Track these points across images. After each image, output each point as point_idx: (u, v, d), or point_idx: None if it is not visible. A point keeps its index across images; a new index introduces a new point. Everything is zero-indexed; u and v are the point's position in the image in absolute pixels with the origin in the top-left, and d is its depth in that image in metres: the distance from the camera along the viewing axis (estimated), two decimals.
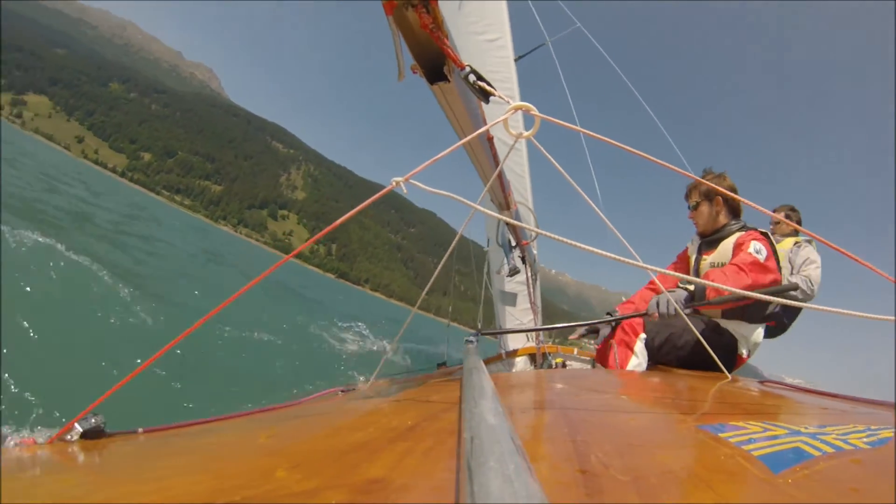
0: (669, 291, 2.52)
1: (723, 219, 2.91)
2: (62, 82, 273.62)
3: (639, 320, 2.77)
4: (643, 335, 2.74)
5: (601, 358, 2.96)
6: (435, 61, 1.41)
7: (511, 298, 6.96)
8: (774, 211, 4.29)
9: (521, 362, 5.64)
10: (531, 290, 5.20)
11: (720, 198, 2.89)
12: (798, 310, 3.85)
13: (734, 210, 2.92)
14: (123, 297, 6.55)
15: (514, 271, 3.41)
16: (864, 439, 0.76)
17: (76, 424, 0.87)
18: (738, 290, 1.30)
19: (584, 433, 0.76)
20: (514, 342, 6.36)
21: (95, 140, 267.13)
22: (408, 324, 1.94)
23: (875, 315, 1.22)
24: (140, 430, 0.98)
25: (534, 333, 5.74)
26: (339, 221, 1.26)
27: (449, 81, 1.44)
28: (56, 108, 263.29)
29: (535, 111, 1.33)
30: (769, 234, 2.76)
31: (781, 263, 3.94)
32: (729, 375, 2.14)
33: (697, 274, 2.97)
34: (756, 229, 2.78)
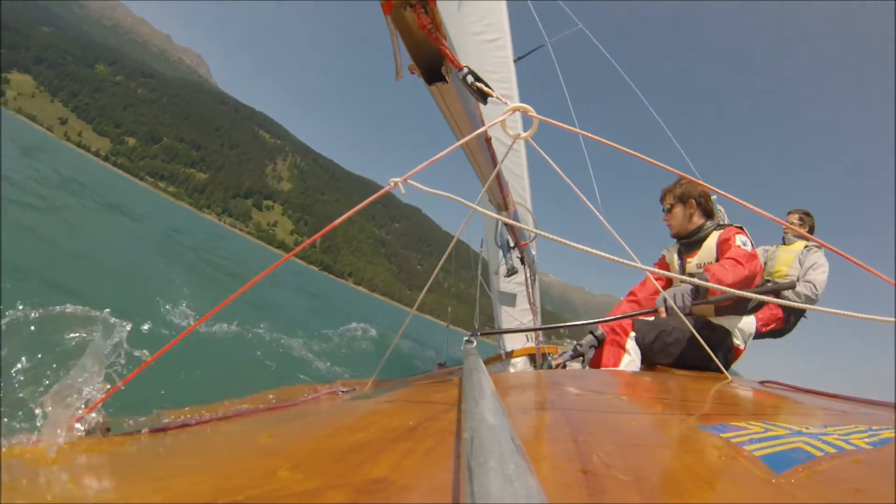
0: (675, 287, 2.60)
1: (697, 220, 3.02)
2: (47, 61, 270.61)
3: (628, 321, 2.88)
4: (633, 333, 2.85)
5: (594, 363, 3.02)
6: (433, 62, 1.44)
7: (510, 299, 7.00)
8: (789, 213, 4.43)
9: (520, 363, 5.68)
10: (530, 290, 5.24)
11: (693, 200, 3.01)
12: (802, 310, 3.93)
13: (707, 212, 3.02)
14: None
15: (511, 272, 3.45)
16: (866, 439, 0.78)
17: (78, 424, 0.90)
18: (731, 291, 1.34)
19: (585, 433, 0.78)
20: (514, 342, 6.41)
21: (79, 122, 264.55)
22: (406, 325, 1.97)
23: (875, 316, 1.26)
24: (143, 428, 1.01)
25: (534, 334, 5.79)
26: (338, 221, 1.30)
27: (447, 82, 1.47)
28: (39, 88, 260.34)
29: (533, 112, 1.36)
30: (742, 228, 2.88)
31: (791, 264, 4.02)
32: (728, 375, 2.19)
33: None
34: (733, 225, 2.90)
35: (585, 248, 1.23)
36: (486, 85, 1.45)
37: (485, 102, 1.53)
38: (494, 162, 2.19)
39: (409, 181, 1.26)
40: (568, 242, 1.29)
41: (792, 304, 1.32)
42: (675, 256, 3.15)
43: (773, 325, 4.18)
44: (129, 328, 1.03)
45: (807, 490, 0.54)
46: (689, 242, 3.04)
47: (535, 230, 1.42)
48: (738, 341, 2.82)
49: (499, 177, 2.48)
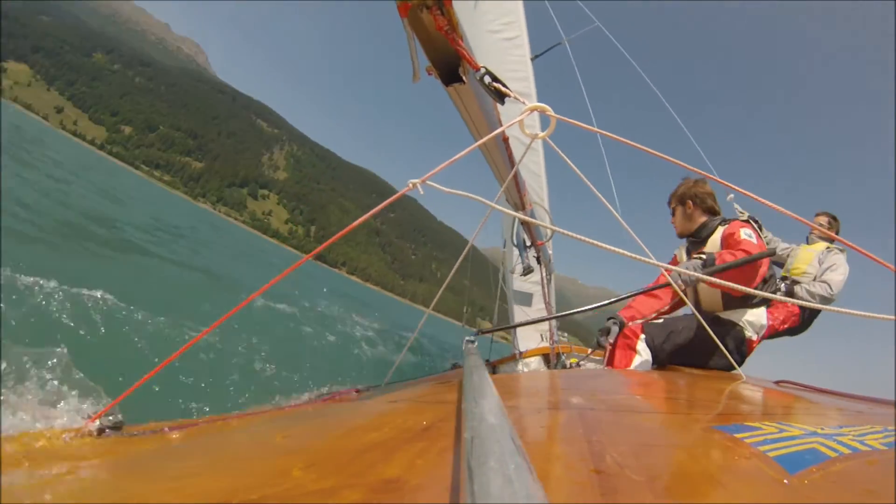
0: (685, 262, 2.74)
1: (698, 218, 3.10)
2: (44, 50, 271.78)
3: (638, 325, 3.01)
4: (643, 336, 2.93)
5: (609, 363, 3.10)
6: (450, 62, 1.47)
7: (526, 298, 7.03)
8: (817, 215, 4.47)
9: (534, 362, 5.72)
10: (546, 289, 5.27)
11: (690, 201, 3.13)
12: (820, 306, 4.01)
13: (709, 210, 3.11)
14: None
15: (527, 270, 3.50)
16: (881, 440, 0.79)
17: (95, 422, 0.93)
18: (740, 260, 1.36)
19: (599, 433, 0.79)
20: (528, 342, 6.46)
21: (75, 111, 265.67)
22: (422, 325, 1.99)
23: (875, 314, 1.30)
24: (158, 428, 1.02)
25: (548, 333, 5.83)
26: (353, 225, 1.31)
27: (464, 83, 1.50)
28: (36, 77, 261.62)
29: (550, 112, 1.40)
30: (753, 220, 3.00)
31: (811, 262, 4.09)
32: (742, 374, 2.21)
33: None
34: (738, 220, 2.98)
35: (604, 245, 1.26)
36: (504, 85, 1.48)
37: (502, 102, 1.55)
38: (512, 162, 2.22)
39: (429, 182, 1.28)
40: (586, 240, 1.32)
41: (802, 303, 1.35)
42: (684, 255, 3.24)
43: (789, 323, 4.23)
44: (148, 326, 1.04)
45: (820, 491, 0.55)
46: (695, 241, 3.13)
47: (553, 227, 1.42)
48: (749, 333, 2.88)
49: (516, 176, 2.49)
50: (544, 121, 1.46)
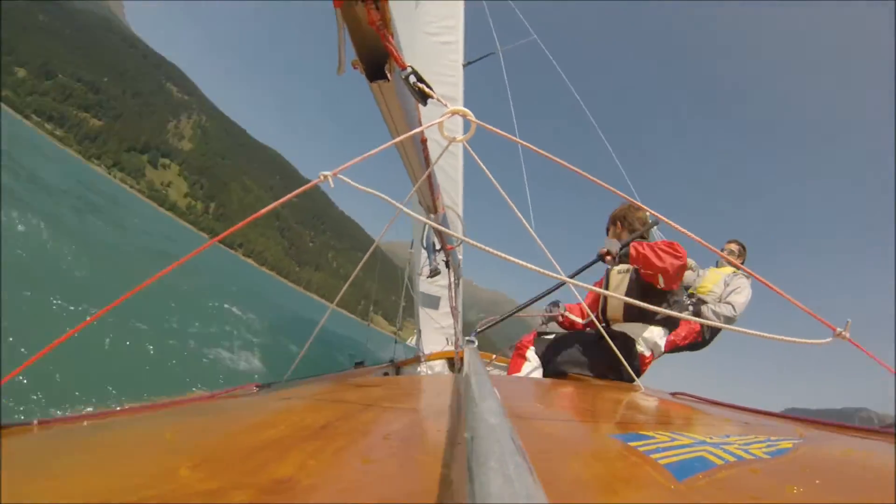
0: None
1: (624, 237, 3.45)
2: None
3: (529, 338, 3.43)
4: (532, 348, 3.30)
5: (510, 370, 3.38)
6: (377, 59, 1.48)
7: (433, 301, 7.10)
8: (728, 242, 4.95)
9: (438, 366, 5.81)
10: (453, 294, 5.38)
11: (619, 222, 3.51)
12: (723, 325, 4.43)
13: (632, 230, 3.47)
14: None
15: (434, 273, 3.56)
16: (764, 449, 0.86)
17: None
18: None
19: None
20: (433, 345, 6.55)
21: None
22: (324, 321, 1.97)
23: (787, 337, 1.43)
24: (34, 421, 0.97)
25: (453, 338, 5.96)
26: (264, 210, 1.30)
27: (389, 80, 1.51)
28: None
29: (471, 116, 1.44)
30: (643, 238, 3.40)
31: (717, 283, 4.63)
32: (640, 385, 2.36)
33: (608, 283, 3.46)
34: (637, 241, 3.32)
35: (513, 258, 1.30)
36: (428, 86, 1.51)
37: (424, 103, 1.59)
38: (428, 163, 2.26)
39: (340, 176, 1.29)
40: (493, 251, 1.35)
41: (701, 320, 1.48)
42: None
43: (690, 339, 4.61)
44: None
45: (705, 496, 0.60)
46: (621, 255, 3.38)
47: (460, 237, 1.47)
48: (641, 348, 3.13)
49: (430, 179, 2.53)
50: (468, 128, 1.49)
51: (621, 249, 3.19)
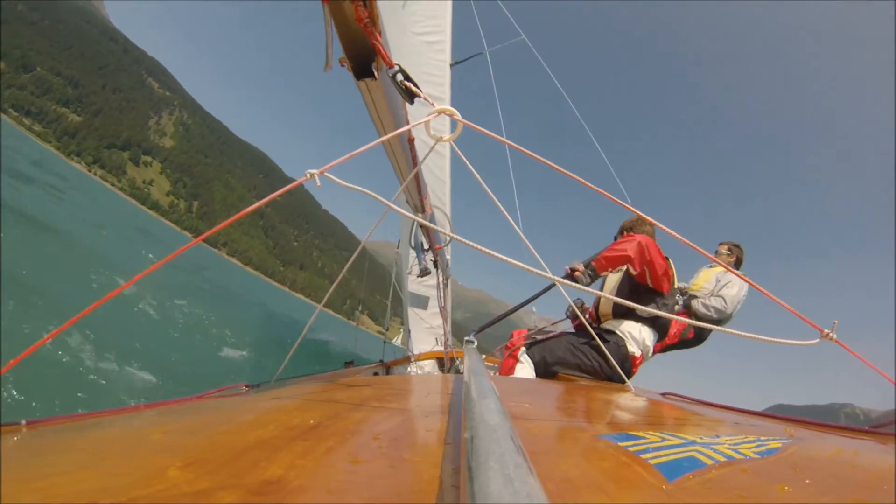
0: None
1: None
2: None
3: (520, 338, 3.51)
4: (524, 348, 3.33)
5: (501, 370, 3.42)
6: (365, 56, 1.49)
7: (422, 301, 7.11)
8: (721, 244, 5.02)
9: (428, 366, 5.84)
10: (442, 294, 5.40)
11: (626, 232, 3.56)
12: (711, 322, 4.48)
13: None
14: None
15: (424, 273, 3.58)
16: (754, 449, 0.87)
17: None
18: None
19: None
20: (423, 345, 6.57)
21: None
22: (312, 320, 1.97)
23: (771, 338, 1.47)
24: (23, 421, 0.97)
25: (442, 338, 5.98)
26: (250, 209, 1.30)
27: (376, 79, 1.52)
28: None
29: (458, 116, 1.45)
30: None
31: (709, 279, 4.71)
32: (630, 385, 2.38)
33: (603, 282, 3.55)
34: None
35: (501, 256, 1.33)
36: (415, 85, 1.53)
37: (411, 102, 1.60)
38: (415, 162, 2.26)
39: (327, 174, 1.28)
40: (482, 248, 1.36)
41: (696, 323, 1.51)
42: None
43: (679, 336, 4.67)
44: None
45: (695, 496, 0.60)
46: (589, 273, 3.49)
47: (450, 233, 1.47)
48: (632, 349, 3.18)
49: (418, 178, 2.54)
50: (455, 127, 1.50)
51: (587, 266, 3.23)
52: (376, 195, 1.41)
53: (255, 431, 0.85)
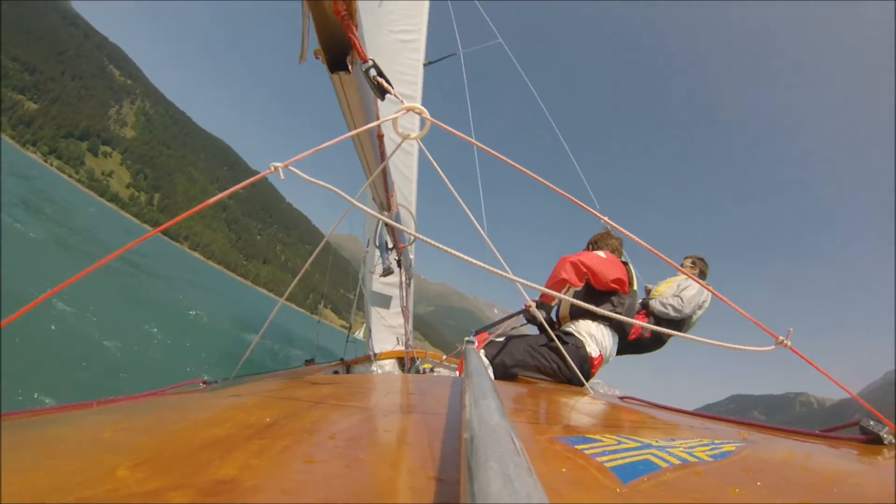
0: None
1: None
2: None
3: (482, 338, 3.53)
4: (483, 350, 3.34)
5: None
6: (340, 49, 1.47)
7: (384, 300, 7.09)
8: (685, 258, 5.24)
9: (389, 365, 5.83)
10: (404, 293, 5.38)
11: (592, 246, 3.73)
12: (670, 324, 4.67)
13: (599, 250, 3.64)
14: None
15: (388, 272, 3.56)
16: (708, 452, 0.88)
17: None
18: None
19: (442, 440, 0.82)
20: (384, 344, 6.54)
21: None
22: (273, 316, 1.94)
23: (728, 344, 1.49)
24: None
25: (403, 338, 5.99)
26: (210, 202, 1.25)
27: (349, 72, 1.50)
28: None
29: (426, 114, 1.45)
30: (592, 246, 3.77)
31: (671, 285, 4.82)
32: (589, 388, 2.40)
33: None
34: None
35: (465, 257, 1.32)
36: (388, 81, 1.51)
37: (383, 98, 1.59)
38: (383, 160, 2.25)
39: (291, 168, 1.26)
40: (447, 249, 1.36)
41: (654, 328, 1.54)
42: None
43: (636, 335, 4.80)
44: None
45: (650, 499, 0.60)
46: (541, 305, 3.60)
47: (415, 233, 1.47)
48: (591, 350, 3.22)
49: (385, 175, 2.53)
50: (423, 125, 1.50)
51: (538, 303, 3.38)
52: (340, 191, 1.38)
53: (210, 430, 0.82)
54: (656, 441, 0.96)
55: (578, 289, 3.32)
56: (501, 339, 3.43)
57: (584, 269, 3.19)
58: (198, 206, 1.24)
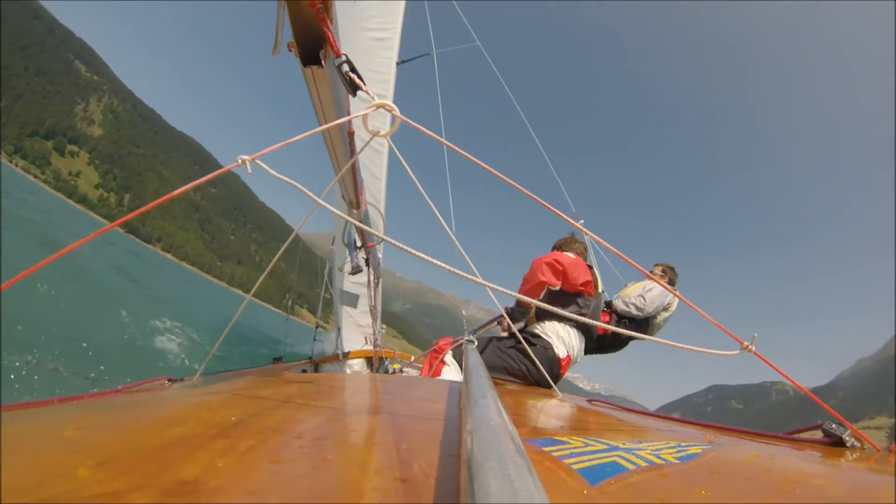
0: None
1: None
2: None
3: (448, 340, 3.56)
4: (450, 351, 3.37)
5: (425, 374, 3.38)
6: (313, 43, 1.44)
7: (352, 299, 7.05)
8: (655, 265, 5.32)
9: (357, 364, 5.79)
10: (372, 293, 5.36)
11: (557, 250, 3.72)
12: (635, 326, 4.79)
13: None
14: None
15: (356, 270, 3.52)
16: (675, 454, 0.89)
17: None
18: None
19: (409, 441, 0.81)
20: (353, 344, 6.49)
21: None
22: (241, 312, 1.91)
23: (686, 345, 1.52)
24: None
25: (371, 337, 5.96)
26: (172, 194, 1.23)
27: (322, 67, 1.48)
28: None
29: (396, 112, 1.43)
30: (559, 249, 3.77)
31: (637, 288, 4.87)
32: (557, 391, 2.42)
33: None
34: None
35: (433, 260, 1.29)
36: (360, 78, 1.50)
37: (354, 94, 1.57)
38: (353, 157, 2.22)
39: (258, 162, 1.24)
40: (415, 252, 1.35)
41: (620, 330, 1.55)
42: None
43: (601, 334, 4.90)
44: None
45: (616, 501, 0.60)
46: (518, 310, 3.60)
47: (382, 236, 1.44)
48: (559, 351, 3.24)
49: (354, 174, 2.51)
50: (393, 123, 1.49)
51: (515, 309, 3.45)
52: (305, 189, 1.37)
53: (174, 429, 0.81)
54: (623, 443, 0.96)
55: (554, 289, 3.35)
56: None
57: (560, 268, 3.20)
58: (162, 198, 1.22)
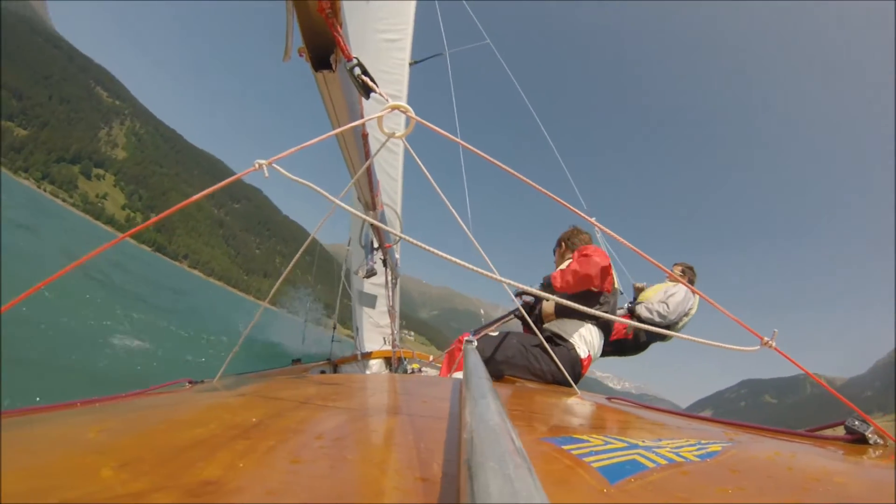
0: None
1: (568, 256, 3.60)
2: None
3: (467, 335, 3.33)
4: (475, 341, 3.19)
5: (445, 372, 3.33)
6: (324, 48, 1.44)
7: (370, 300, 7.05)
8: (675, 265, 5.25)
9: (376, 365, 5.80)
10: (390, 293, 5.34)
11: (564, 244, 3.74)
12: (654, 326, 4.67)
13: (574, 249, 3.61)
14: None
15: (370, 273, 3.51)
16: (695, 452, 0.87)
17: None
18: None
19: (429, 441, 0.81)
20: (372, 344, 6.51)
21: None
22: (258, 317, 1.91)
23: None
24: None
25: (390, 338, 5.97)
26: (187, 202, 1.24)
27: (333, 71, 1.47)
28: None
29: (411, 113, 1.42)
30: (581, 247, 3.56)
31: (658, 291, 4.85)
32: (576, 389, 2.39)
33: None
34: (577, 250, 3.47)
35: (450, 257, 1.28)
36: (372, 80, 1.48)
37: (367, 97, 1.56)
38: (367, 159, 2.21)
39: (275, 165, 1.24)
40: (431, 249, 1.33)
41: (639, 325, 1.53)
42: None
43: (620, 336, 4.81)
44: None
45: (636, 499, 0.59)
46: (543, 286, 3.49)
47: (399, 234, 1.44)
48: (580, 351, 3.16)
49: (370, 175, 2.50)
50: (408, 124, 1.48)
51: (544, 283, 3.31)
52: (322, 191, 1.36)
53: (195, 430, 0.80)
54: (643, 441, 0.95)
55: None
56: (495, 333, 3.37)
57: (607, 274, 3.08)
58: (174, 207, 1.26)
